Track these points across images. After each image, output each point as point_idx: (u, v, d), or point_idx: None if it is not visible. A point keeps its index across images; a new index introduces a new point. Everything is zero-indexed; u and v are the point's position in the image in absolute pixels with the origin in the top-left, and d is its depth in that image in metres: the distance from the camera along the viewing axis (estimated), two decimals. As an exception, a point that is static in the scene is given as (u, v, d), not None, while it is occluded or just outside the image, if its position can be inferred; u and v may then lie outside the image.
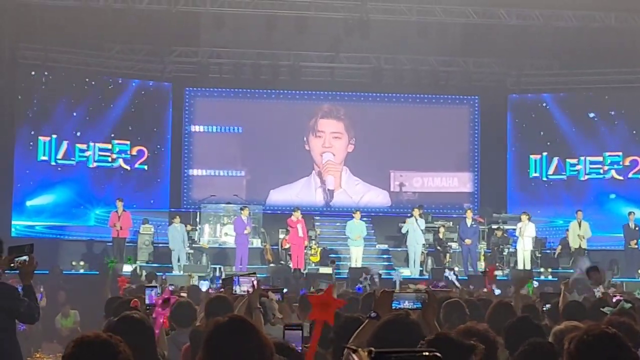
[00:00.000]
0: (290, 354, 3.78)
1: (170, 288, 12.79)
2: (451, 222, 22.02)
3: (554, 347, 4.35)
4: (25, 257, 6.17)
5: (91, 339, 3.07)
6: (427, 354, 2.27)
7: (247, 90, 23.99)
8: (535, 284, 17.21)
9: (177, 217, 20.50)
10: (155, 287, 7.44)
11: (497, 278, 17.58)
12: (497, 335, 4.20)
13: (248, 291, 6.40)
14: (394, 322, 4.14)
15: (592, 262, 16.41)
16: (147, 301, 6.55)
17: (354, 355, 2.34)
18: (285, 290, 9.41)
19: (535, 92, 24.19)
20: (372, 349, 2.28)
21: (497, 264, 20.71)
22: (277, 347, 3.62)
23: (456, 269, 19.70)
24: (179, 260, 20.00)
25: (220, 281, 12.14)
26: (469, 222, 20.38)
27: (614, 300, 7.41)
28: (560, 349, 4.09)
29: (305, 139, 24.00)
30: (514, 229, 20.88)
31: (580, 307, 7.07)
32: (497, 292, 12.26)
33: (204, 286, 13.80)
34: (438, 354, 2.28)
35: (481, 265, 20.33)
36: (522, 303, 8.21)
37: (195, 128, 23.94)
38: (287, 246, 20.50)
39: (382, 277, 18.58)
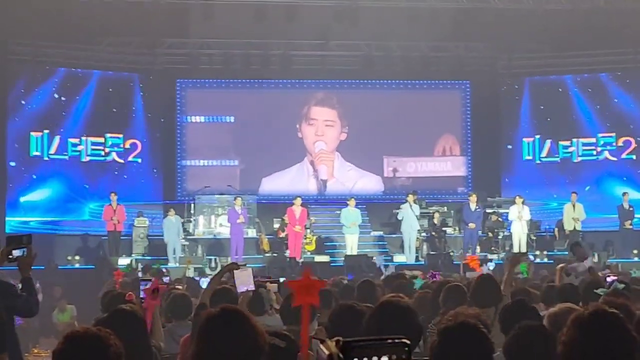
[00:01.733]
0: (286, 342, 3.79)
1: (166, 280, 12.83)
2: (445, 207, 22.06)
3: (547, 329, 4.37)
4: (23, 250, 6.16)
5: (80, 334, 3.08)
6: (396, 341, 2.26)
7: (238, 80, 23.95)
8: (531, 257, 17.25)
9: (172, 209, 20.50)
10: (150, 280, 7.45)
11: (494, 262, 17.71)
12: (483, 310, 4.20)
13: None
14: (387, 307, 4.16)
15: (583, 243, 16.47)
16: (141, 295, 6.55)
17: (321, 346, 2.34)
18: (282, 279, 9.43)
19: (526, 75, 24.20)
20: (340, 338, 2.27)
21: (492, 248, 20.80)
22: (272, 336, 3.63)
23: (453, 253, 19.80)
24: (174, 253, 20.02)
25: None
26: (472, 206, 20.33)
27: (608, 280, 7.43)
28: (555, 332, 4.10)
29: (297, 126, 23.99)
30: (508, 213, 20.90)
31: (575, 290, 7.09)
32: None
33: (205, 283, 13.72)
34: (406, 341, 2.27)
35: (477, 250, 20.38)
36: (516, 286, 8.24)
37: (188, 119, 23.90)
38: (282, 235, 20.52)
39: (377, 265, 18.59)
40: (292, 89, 24.33)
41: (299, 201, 20.16)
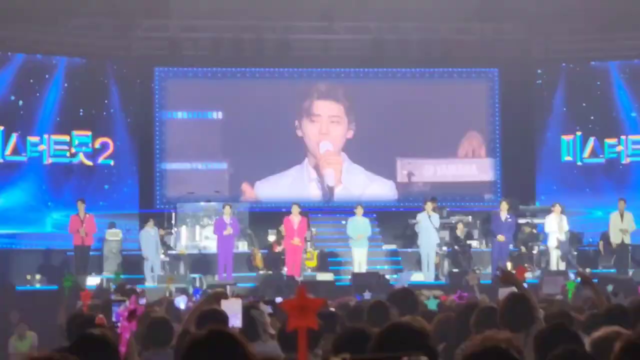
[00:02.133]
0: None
1: (142, 302, 12.81)
2: (470, 217, 22.03)
3: (591, 355, 4.35)
4: None
5: (42, 360, 3.06)
6: (412, 358, 2.27)
7: (228, 68, 23.97)
8: (572, 276, 17.07)
9: (150, 219, 20.49)
10: (124, 300, 7.46)
11: (527, 281, 17.63)
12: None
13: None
14: (396, 329, 4.15)
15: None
16: (114, 318, 6.55)
17: None
18: (278, 300, 9.41)
19: (565, 61, 24.17)
20: (349, 354, 2.27)
21: (526, 265, 20.72)
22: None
23: (479, 271, 19.72)
24: (152, 270, 20.00)
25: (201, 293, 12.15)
26: (503, 215, 20.29)
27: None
28: (600, 358, 4.09)
29: (297, 123, 23.98)
30: (544, 223, 20.84)
31: (623, 311, 7.07)
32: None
33: (182, 303, 13.75)
34: (424, 358, 2.27)
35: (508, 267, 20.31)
36: (553, 307, 8.21)
37: (169, 114, 23.89)
38: (278, 250, 20.50)
39: (390, 282, 18.57)
40: (290, 80, 24.33)
41: (296, 209, 20.14)
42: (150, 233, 20.24)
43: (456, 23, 23.08)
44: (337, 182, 24.04)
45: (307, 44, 23.74)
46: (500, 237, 20.06)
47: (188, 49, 23.49)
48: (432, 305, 9.49)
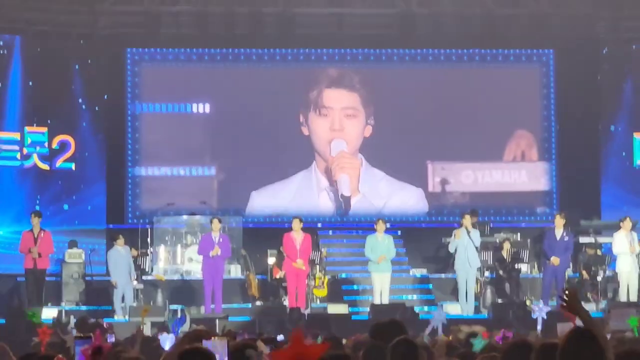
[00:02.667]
0: None
1: (111, 340, 12.83)
2: (519, 235, 21.96)
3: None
4: None
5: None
6: None
7: (217, 50, 24.01)
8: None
9: (120, 236, 20.50)
10: (90, 338, 7.58)
11: (591, 314, 17.57)
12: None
13: None
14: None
15: None
16: (77, 358, 6.57)
17: None
18: (280, 337, 9.39)
19: (638, 42, 24.15)
20: None
21: (588, 294, 20.67)
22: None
23: (529, 302, 19.69)
24: (123, 300, 20.00)
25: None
26: (558, 233, 20.24)
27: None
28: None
29: (302, 118, 23.99)
30: (611, 243, 20.81)
31: None
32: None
33: (168, 342, 13.70)
34: None
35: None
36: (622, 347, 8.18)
37: (143, 107, 23.92)
38: (279, 275, 20.49)
39: (420, 317, 18.53)
40: (294, 63, 24.38)
41: (298, 224, 20.09)
42: (120, 253, 20.23)
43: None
44: (354, 192, 23.99)
45: (316, 19, 23.78)
46: (555, 260, 20.03)
47: (168, 26, 23.49)
48: (478, 345, 9.46)
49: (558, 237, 20.24)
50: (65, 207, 22.95)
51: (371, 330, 7.91)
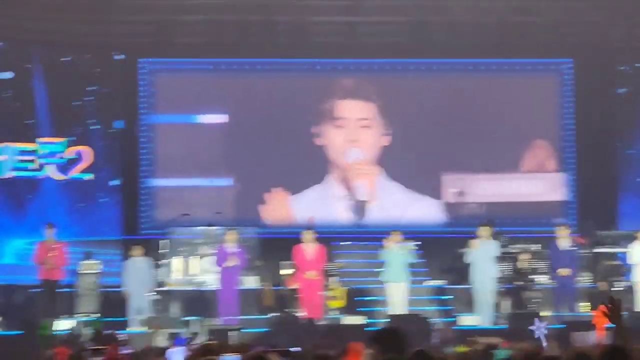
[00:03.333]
0: None
1: (125, 351, 12.77)
2: (540, 246, 21.91)
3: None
4: None
5: None
6: None
7: (232, 60, 24.02)
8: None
9: (138, 247, 20.50)
10: (105, 348, 7.54)
11: (609, 327, 17.49)
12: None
13: None
14: None
15: None
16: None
17: None
18: (294, 349, 9.36)
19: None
20: None
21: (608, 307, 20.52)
22: None
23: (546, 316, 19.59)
24: (138, 312, 19.97)
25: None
26: (563, 243, 20.24)
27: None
28: None
29: (317, 129, 23.98)
30: (628, 253, 20.74)
31: None
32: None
33: (179, 357, 13.63)
34: None
35: (583, 309, 20.19)
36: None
37: (158, 118, 23.93)
38: (294, 286, 20.45)
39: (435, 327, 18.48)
40: (309, 73, 24.36)
41: (309, 236, 20.04)
42: (137, 264, 20.22)
43: (518, 1, 23.00)
44: (371, 197, 23.99)
45: (331, 28, 23.80)
46: (563, 271, 20.02)
47: (181, 36, 23.55)
48: (501, 355, 9.39)
49: (561, 248, 20.25)
50: (80, 218, 22.95)
51: (370, 340, 7.83)
